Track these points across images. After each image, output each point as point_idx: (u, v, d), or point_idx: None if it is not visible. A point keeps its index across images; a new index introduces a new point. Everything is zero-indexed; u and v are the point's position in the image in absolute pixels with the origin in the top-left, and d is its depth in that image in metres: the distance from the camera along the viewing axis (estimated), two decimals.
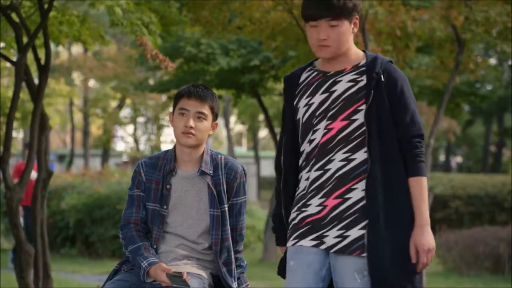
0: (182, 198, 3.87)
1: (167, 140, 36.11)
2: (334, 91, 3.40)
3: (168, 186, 3.87)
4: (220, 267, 3.86)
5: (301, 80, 3.51)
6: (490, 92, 17.02)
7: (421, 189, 3.34)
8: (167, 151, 3.95)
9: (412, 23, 8.92)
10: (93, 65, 27.09)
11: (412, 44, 9.13)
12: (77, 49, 31.53)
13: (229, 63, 13.02)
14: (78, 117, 36.55)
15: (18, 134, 31.70)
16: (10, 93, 15.77)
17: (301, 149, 3.47)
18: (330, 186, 3.38)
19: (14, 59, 6.34)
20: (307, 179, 3.44)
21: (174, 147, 3.92)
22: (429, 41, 9.90)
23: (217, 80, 13.78)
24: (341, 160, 3.36)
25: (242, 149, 48.55)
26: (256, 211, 17.73)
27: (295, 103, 3.49)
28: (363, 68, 3.41)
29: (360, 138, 3.36)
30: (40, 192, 6.20)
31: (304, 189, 3.45)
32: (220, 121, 31.73)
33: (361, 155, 3.36)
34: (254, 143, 36.18)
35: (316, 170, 3.40)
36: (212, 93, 3.88)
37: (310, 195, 3.42)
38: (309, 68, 3.54)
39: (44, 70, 6.15)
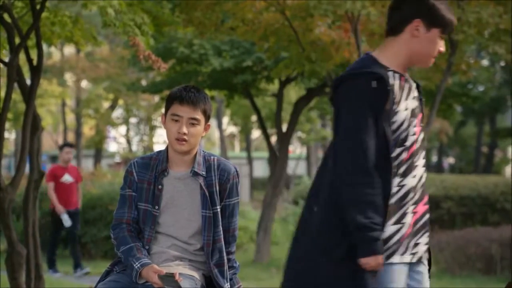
0: (174, 198, 3.87)
1: (160, 141, 36.09)
2: (415, 96, 3.40)
3: (160, 187, 3.86)
4: (212, 268, 3.86)
5: (391, 82, 3.31)
6: (482, 93, 17.06)
7: None
8: (160, 151, 3.95)
9: None
10: (86, 66, 27.05)
11: None
12: (69, 49, 31.47)
13: (221, 64, 13.02)
14: (70, 118, 36.47)
15: (10, 135, 31.62)
16: (2, 94, 15.74)
17: (393, 154, 3.29)
18: (419, 192, 3.35)
19: (6, 59, 6.33)
20: (401, 186, 3.30)
21: (167, 147, 3.92)
22: None
23: (210, 80, 13.77)
24: (423, 166, 3.37)
25: (234, 153, 48.52)
26: (249, 212, 17.73)
27: (394, 107, 3.30)
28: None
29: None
30: (32, 193, 6.19)
31: (397, 197, 3.29)
32: (213, 122, 31.72)
33: None
34: (246, 144, 36.18)
35: (412, 177, 3.33)
36: (204, 96, 3.86)
37: (407, 204, 3.31)
38: (387, 68, 3.33)
39: (37, 70, 6.14)
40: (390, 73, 3.30)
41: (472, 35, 9.24)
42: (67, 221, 11.68)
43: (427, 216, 3.36)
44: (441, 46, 3.33)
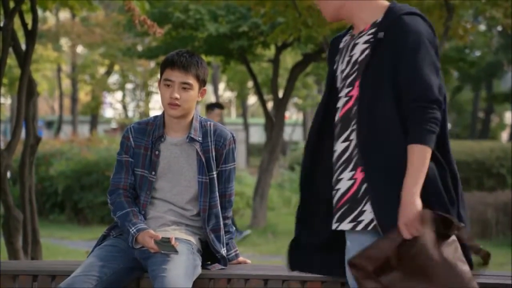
0: (171, 164, 3.87)
1: (156, 106, 36.02)
2: (353, 55, 3.13)
3: (156, 152, 3.86)
4: (208, 233, 3.87)
5: (341, 45, 3.24)
6: (479, 58, 17.03)
7: (413, 159, 2.96)
8: (156, 116, 3.94)
9: None
10: (81, 31, 26.88)
11: None
12: (64, 14, 31.27)
13: (217, 29, 12.95)
14: (66, 83, 36.35)
15: (6, 101, 31.54)
16: None
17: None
18: (356, 158, 3.09)
19: (1, 24, 6.28)
20: (334, 151, 3.17)
21: (163, 113, 3.91)
22: (418, 6, 9.86)
23: (206, 46, 13.71)
24: (343, 141, 3.14)
25: (230, 119, 48.44)
26: (245, 178, 17.77)
27: (334, 68, 3.22)
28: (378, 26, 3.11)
29: None
30: (28, 158, 6.18)
31: (333, 163, 3.17)
32: (209, 88, 31.62)
33: None
34: (243, 110, 36.14)
35: (342, 142, 3.14)
36: (197, 60, 3.83)
37: (340, 168, 3.14)
38: (350, 31, 3.26)
39: (31, 35, 6.09)
40: (347, 35, 3.26)
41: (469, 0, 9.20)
42: None
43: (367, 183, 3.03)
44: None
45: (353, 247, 3.07)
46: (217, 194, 3.90)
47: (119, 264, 3.72)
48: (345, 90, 3.14)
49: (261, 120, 35.85)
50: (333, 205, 3.15)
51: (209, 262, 3.91)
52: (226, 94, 43.01)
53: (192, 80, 3.80)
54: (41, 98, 37.12)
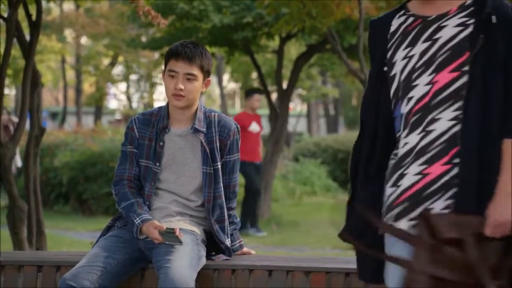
0: (175, 155, 3.87)
1: (160, 98, 36.03)
2: (439, 38, 2.83)
3: (161, 143, 3.86)
4: (213, 224, 3.88)
5: (393, 29, 2.93)
6: None
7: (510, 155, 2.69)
8: (161, 107, 3.94)
9: None
10: (85, 22, 26.87)
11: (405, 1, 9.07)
12: (68, 5, 31.26)
13: (221, 20, 12.93)
14: (70, 74, 36.34)
15: (11, 91, 31.57)
16: (1, 50, 15.63)
17: (402, 111, 2.86)
18: (436, 150, 2.78)
19: (5, 15, 6.28)
20: (406, 144, 2.84)
21: (167, 104, 3.91)
22: None
23: (210, 37, 13.69)
24: (451, 120, 2.78)
25: (235, 110, 48.43)
26: None
27: (388, 56, 2.91)
28: (472, 8, 2.82)
29: None
30: (33, 149, 6.19)
31: (400, 157, 2.85)
32: (213, 79, 31.59)
33: None
34: None
35: (418, 134, 2.81)
36: (201, 51, 3.83)
37: (408, 163, 2.81)
38: (401, 13, 2.95)
39: (36, 26, 6.10)
40: (398, 18, 2.96)
41: None
42: None
43: (451, 176, 2.74)
44: None
45: (392, 242, 2.81)
46: (222, 185, 3.90)
47: (124, 255, 3.73)
48: (427, 77, 2.84)
49: (265, 111, 35.85)
50: (388, 203, 2.84)
51: (213, 253, 3.92)
52: (230, 85, 43.01)
53: (196, 71, 3.81)
54: (45, 89, 37.12)
